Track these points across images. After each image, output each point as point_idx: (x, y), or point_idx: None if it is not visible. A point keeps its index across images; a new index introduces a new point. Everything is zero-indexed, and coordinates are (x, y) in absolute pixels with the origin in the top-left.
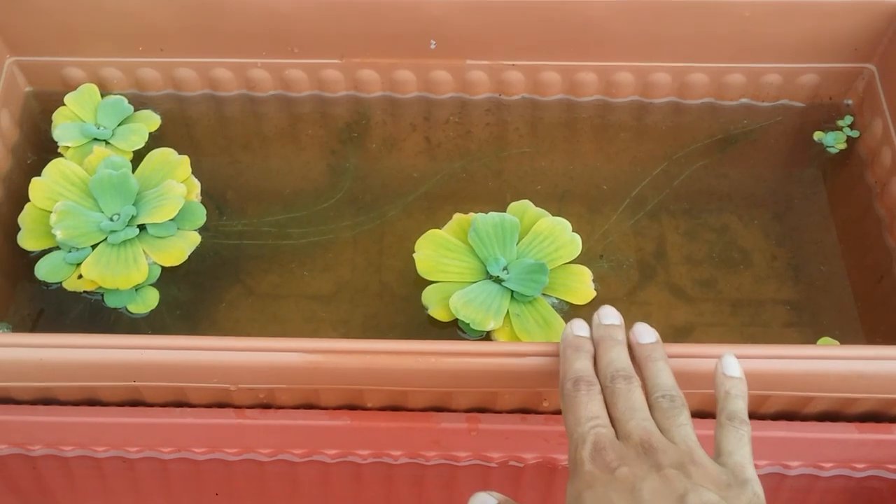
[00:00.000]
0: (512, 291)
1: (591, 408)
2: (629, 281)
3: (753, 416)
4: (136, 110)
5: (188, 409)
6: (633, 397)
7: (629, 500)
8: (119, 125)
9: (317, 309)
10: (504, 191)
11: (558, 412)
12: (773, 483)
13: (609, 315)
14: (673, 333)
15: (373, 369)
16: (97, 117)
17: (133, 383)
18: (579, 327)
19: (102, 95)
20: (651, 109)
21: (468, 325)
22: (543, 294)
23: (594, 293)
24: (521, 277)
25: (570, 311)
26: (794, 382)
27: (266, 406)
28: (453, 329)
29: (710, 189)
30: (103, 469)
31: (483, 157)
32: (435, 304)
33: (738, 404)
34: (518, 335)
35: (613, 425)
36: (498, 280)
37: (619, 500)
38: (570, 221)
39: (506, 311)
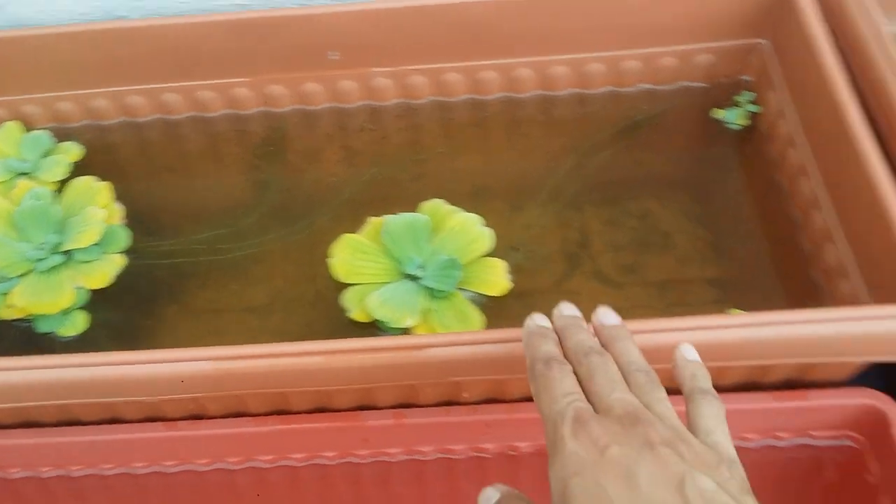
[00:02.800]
0: (428, 288)
1: (565, 384)
2: (554, 271)
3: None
4: (59, 142)
5: (121, 426)
6: (609, 370)
7: (625, 489)
8: (42, 158)
9: (253, 321)
10: (421, 192)
11: (480, 402)
12: None
13: (568, 307)
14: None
15: (277, 372)
16: (20, 152)
17: (62, 401)
18: (541, 318)
19: (28, 130)
20: (556, 102)
21: (386, 323)
22: (460, 288)
23: (510, 284)
24: (435, 274)
25: (487, 304)
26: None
27: (197, 417)
28: (374, 329)
29: (626, 176)
30: (49, 488)
31: (400, 160)
32: (354, 306)
33: (707, 383)
34: (436, 330)
35: (591, 401)
36: (414, 278)
37: (613, 489)
38: (488, 217)
39: (423, 307)
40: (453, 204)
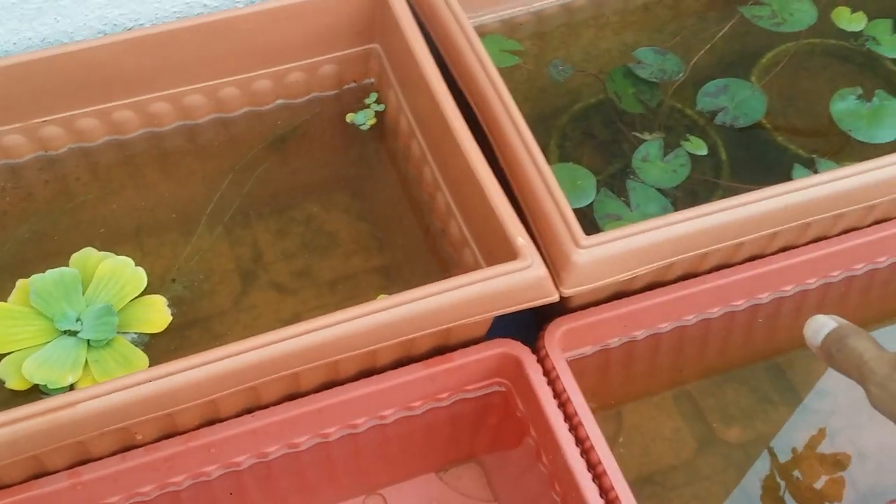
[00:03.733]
0: (88, 340)
1: (865, 341)
2: (232, 290)
3: (331, 384)
4: None
5: None
6: None
7: None
8: None
9: None
10: (78, 242)
11: (156, 440)
12: (376, 433)
13: None
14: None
15: None
16: None
17: None
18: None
19: None
20: (199, 130)
21: (47, 386)
22: (122, 333)
23: (170, 317)
24: (92, 324)
25: (152, 342)
26: (363, 338)
27: None
28: (37, 395)
29: (285, 186)
30: None
31: (50, 214)
32: (11, 375)
33: None
34: (99, 379)
35: None
36: (73, 333)
37: None
38: (156, 252)
39: (84, 360)
40: (117, 247)
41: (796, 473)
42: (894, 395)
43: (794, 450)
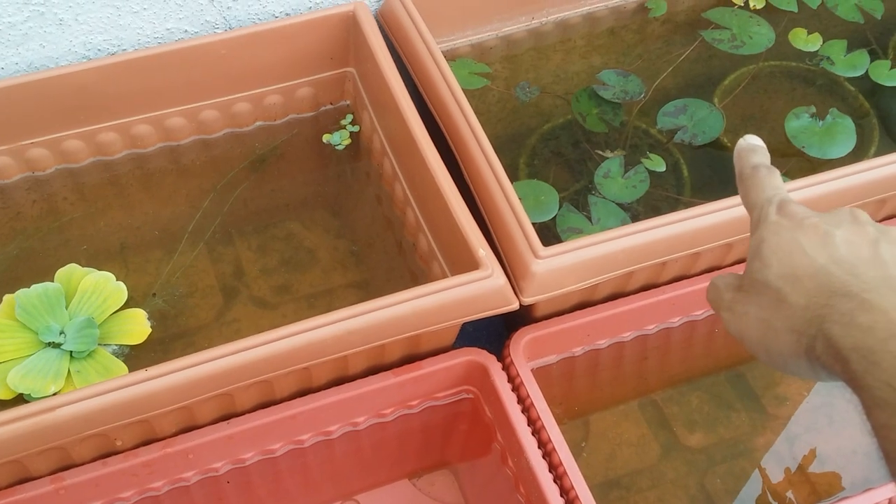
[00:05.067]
0: (70, 352)
1: (774, 180)
2: (214, 305)
3: (305, 392)
4: None
5: None
6: None
7: (820, 243)
8: None
9: None
10: (63, 259)
11: (136, 447)
12: (349, 440)
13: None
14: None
15: None
16: None
17: None
18: (751, 137)
19: None
20: (182, 151)
21: (30, 395)
22: (103, 345)
23: (149, 330)
24: (75, 336)
25: (132, 353)
26: (335, 345)
27: None
28: (21, 404)
29: (266, 205)
30: None
31: (38, 232)
32: None
33: None
34: None
35: None
36: (57, 345)
37: (807, 241)
38: (140, 268)
39: (66, 371)
40: (102, 263)
41: (757, 475)
42: (740, 317)
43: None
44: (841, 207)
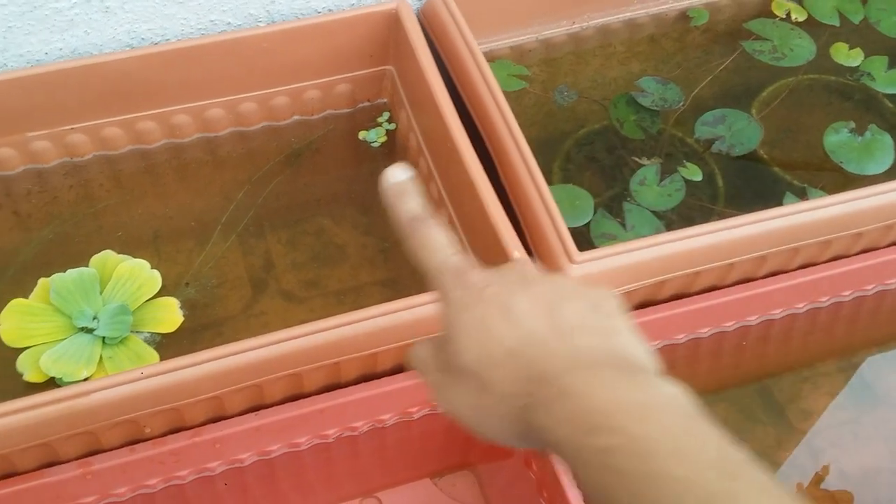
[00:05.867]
0: (103, 337)
1: (436, 237)
2: (243, 297)
3: (333, 387)
4: None
5: None
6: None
7: (503, 319)
8: None
9: None
10: (98, 245)
11: (162, 435)
12: (374, 437)
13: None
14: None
15: None
16: None
17: None
18: (396, 172)
19: None
20: (219, 142)
21: (62, 378)
22: (135, 332)
23: (182, 318)
24: (108, 322)
25: (163, 342)
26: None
27: None
28: (52, 387)
29: (298, 199)
30: None
31: (73, 217)
32: (29, 368)
33: None
34: None
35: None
36: (89, 330)
37: (492, 320)
38: (171, 257)
39: (98, 356)
40: (135, 251)
41: None
42: (450, 400)
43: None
44: (508, 265)
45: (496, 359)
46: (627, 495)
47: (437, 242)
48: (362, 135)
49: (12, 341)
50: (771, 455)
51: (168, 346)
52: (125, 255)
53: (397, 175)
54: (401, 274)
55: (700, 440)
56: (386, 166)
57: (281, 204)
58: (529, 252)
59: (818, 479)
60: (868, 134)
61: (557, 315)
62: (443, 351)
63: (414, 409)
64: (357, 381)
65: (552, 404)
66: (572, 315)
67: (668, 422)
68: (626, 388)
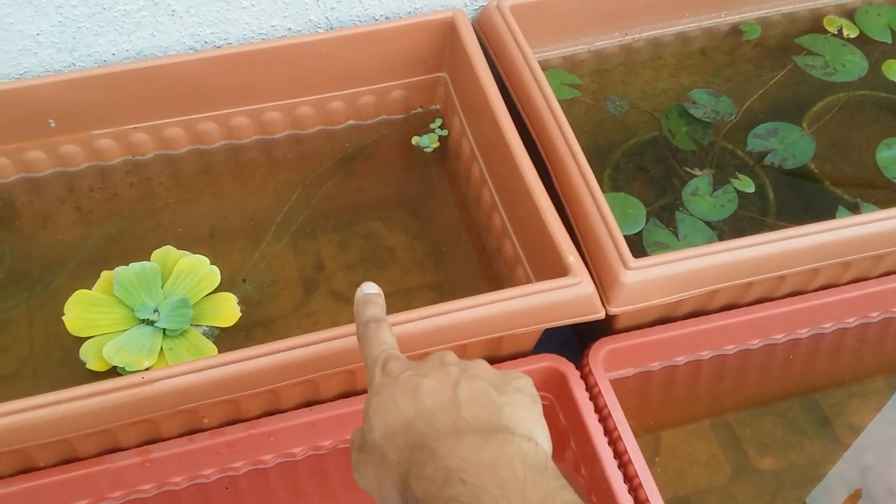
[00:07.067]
0: (163, 329)
1: (381, 337)
2: (294, 296)
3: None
4: None
5: None
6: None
7: (411, 398)
8: None
9: (1, 391)
10: (157, 241)
11: (220, 427)
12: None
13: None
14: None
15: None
16: None
17: None
18: (368, 286)
19: None
20: (275, 144)
21: (124, 368)
22: (194, 325)
23: (239, 314)
24: (169, 315)
25: (221, 336)
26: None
27: None
28: (113, 376)
29: (350, 202)
30: None
31: (134, 214)
32: (92, 357)
33: None
34: None
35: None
36: (150, 322)
37: (402, 400)
38: (226, 255)
39: (159, 348)
40: (192, 248)
41: None
42: (363, 475)
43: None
44: (432, 353)
45: (396, 430)
46: None
47: (381, 339)
48: (415, 140)
49: (76, 330)
50: (818, 468)
51: (226, 340)
52: (185, 251)
53: (370, 288)
54: (452, 277)
55: (528, 486)
56: (437, 172)
57: (333, 206)
58: (582, 257)
59: (878, 495)
60: None
61: (457, 391)
62: (361, 431)
63: None
64: None
65: (423, 467)
66: (469, 391)
67: (504, 473)
68: (479, 448)
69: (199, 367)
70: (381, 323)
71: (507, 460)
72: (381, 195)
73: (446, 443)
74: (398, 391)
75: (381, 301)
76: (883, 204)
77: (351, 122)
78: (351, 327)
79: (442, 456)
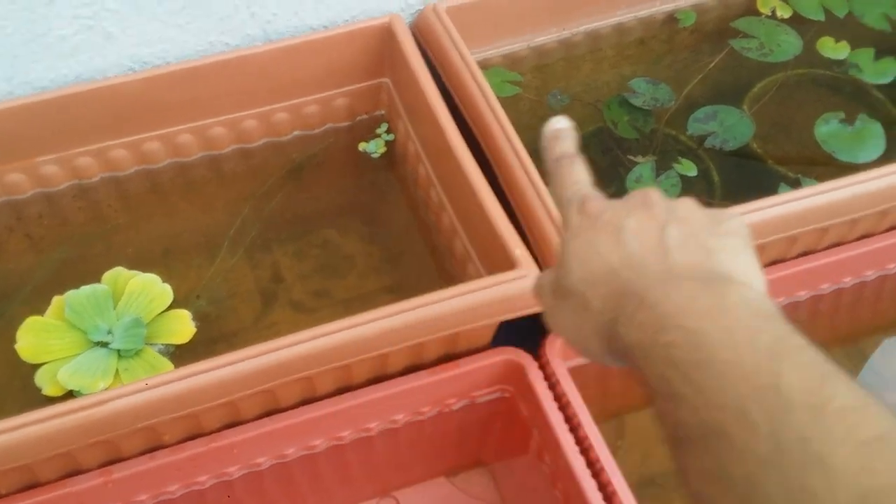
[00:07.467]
0: (118, 350)
1: (574, 174)
2: (253, 308)
3: (345, 390)
4: None
5: None
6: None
7: (612, 241)
8: None
9: None
10: (110, 263)
11: (181, 441)
12: (388, 437)
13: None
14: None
15: None
16: None
17: None
18: (556, 121)
19: None
20: (223, 160)
21: (80, 392)
22: (149, 344)
23: (194, 330)
24: (122, 336)
25: (176, 353)
26: (371, 344)
27: None
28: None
29: (303, 212)
30: None
31: (84, 238)
32: (47, 382)
33: None
34: None
35: None
36: (105, 344)
37: (602, 242)
38: (182, 272)
39: (114, 369)
40: (145, 268)
41: None
42: (558, 320)
43: None
44: (636, 191)
45: (598, 277)
46: (682, 382)
47: (574, 177)
48: (362, 146)
49: (30, 357)
50: None
51: (182, 357)
52: (136, 271)
53: (560, 122)
54: (407, 280)
55: (755, 331)
56: (386, 176)
57: (286, 217)
58: (530, 250)
59: None
60: (858, 123)
61: (664, 235)
62: (556, 275)
63: (426, 409)
64: (369, 383)
65: (633, 315)
66: (678, 235)
67: (727, 319)
68: (697, 294)
69: (151, 384)
70: (573, 159)
71: (730, 306)
72: (332, 203)
73: (657, 289)
74: (598, 235)
75: (573, 135)
76: (824, 177)
77: (297, 132)
78: (302, 335)
79: (654, 303)
